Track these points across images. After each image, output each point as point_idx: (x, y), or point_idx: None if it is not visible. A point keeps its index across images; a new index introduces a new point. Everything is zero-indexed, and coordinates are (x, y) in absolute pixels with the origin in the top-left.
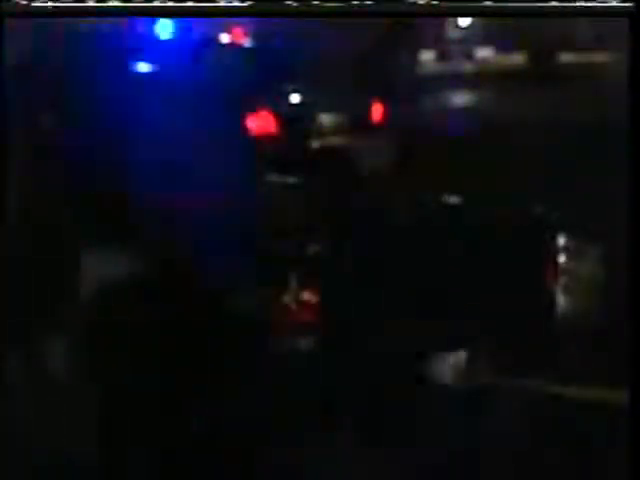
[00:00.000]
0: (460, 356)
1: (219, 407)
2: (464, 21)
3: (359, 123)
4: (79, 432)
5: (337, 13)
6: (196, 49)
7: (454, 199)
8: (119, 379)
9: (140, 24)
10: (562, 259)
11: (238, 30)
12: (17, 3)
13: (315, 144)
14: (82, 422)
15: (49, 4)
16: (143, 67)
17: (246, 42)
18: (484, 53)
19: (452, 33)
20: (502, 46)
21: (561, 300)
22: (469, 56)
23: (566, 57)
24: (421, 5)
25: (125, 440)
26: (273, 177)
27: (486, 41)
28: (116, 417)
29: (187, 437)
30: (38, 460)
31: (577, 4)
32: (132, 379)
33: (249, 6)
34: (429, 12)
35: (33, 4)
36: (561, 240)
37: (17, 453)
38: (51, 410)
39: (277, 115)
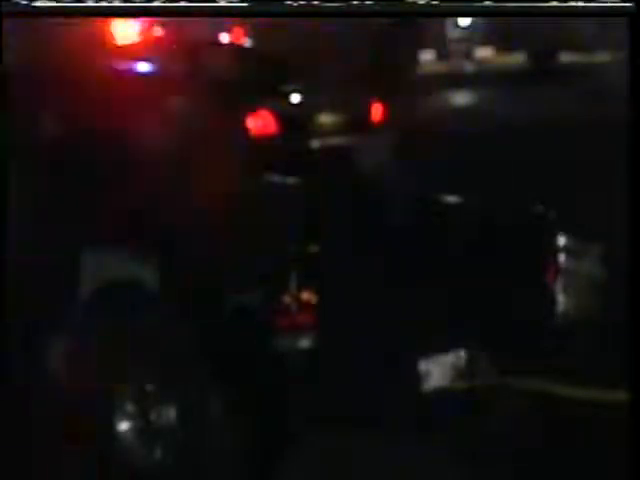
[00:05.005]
0: (460, 356)
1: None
2: (464, 21)
3: (359, 123)
4: None
5: (337, 13)
6: (196, 49)
7: (454, 198)
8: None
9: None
10: (562, 259)
11: (238, 30)
12: (17, 3)
13: (315, 144)
14: None
15: (49, 4)
16: (143, 66)
17: (246, 42)
18: (484, 53)
19: (452, 33)
20: (502, 46)
21: (561, 299)
22: (469, 56)
23: (566, 57)
24: (421, 5)
25: None
26: (273, 177)
27: (486, 41)
28: None
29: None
30: None
31: (577, 4)
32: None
33: (249, 6)
34: (429, 12)
35: (33, 4)
36: (561, 240)
37: None
38: None
39: (277, 115)
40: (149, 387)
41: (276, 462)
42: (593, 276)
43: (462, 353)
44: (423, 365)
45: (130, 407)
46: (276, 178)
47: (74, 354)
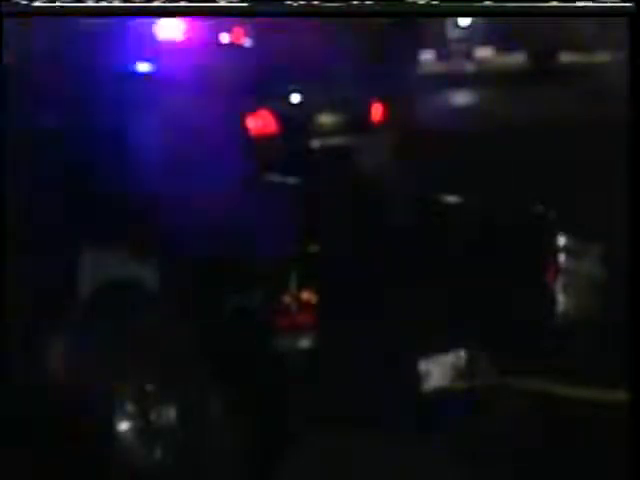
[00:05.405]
0: (460, 356)
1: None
2: (464, 21)
3: (359, 123)
4: None
5: (337, 13)
6: (196, 49)
7: (454, 198)
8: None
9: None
10: (562, 259)
11: (238, 30)
12: (17, 3)
13: (315, 144)
14: None
15: (49, 4)
16: (143, 67)
17: (246, 42)
18: (484, 53)
19: (452, 33)
20: (502, 46)
21: (561, 299)
22: (469, 56)
23: (566, 57)
24: (421, 5)
25: None
26: (273, 177)
27: (486, 41)
28: None
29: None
30: None
31: (577, 4)
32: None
33: (249, 6)
34: (429, 12)
35: (33, 4)
36: (561, 240)
37: None
38: None
39: (277, 115)
40: (149, 387)
41: (276, 462)
42: (593, 276)
43: (462, 353)
44: (423, 365)
45: (130, 407)
46: (276, 178)
47: (74, 354)
